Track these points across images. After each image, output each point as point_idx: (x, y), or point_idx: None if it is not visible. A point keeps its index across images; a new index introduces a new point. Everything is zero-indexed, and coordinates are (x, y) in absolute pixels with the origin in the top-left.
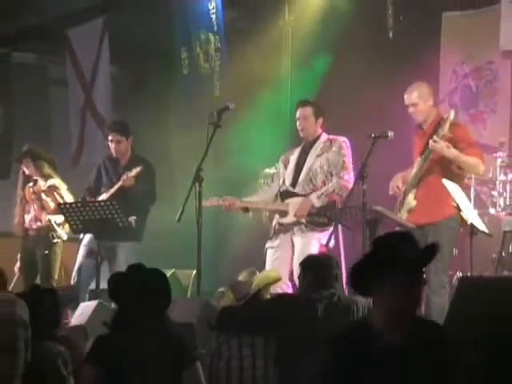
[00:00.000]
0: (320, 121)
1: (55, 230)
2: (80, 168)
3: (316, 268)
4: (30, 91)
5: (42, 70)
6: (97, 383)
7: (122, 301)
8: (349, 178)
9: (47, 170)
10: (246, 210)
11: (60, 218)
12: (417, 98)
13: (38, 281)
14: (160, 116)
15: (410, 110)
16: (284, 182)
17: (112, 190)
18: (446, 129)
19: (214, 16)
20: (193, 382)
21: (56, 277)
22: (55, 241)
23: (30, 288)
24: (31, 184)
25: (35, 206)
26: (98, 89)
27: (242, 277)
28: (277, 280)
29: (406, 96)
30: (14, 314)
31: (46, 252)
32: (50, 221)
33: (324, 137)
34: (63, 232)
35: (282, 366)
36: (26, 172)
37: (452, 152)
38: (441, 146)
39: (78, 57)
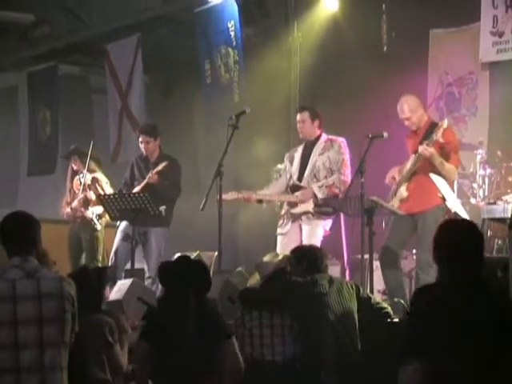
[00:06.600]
0: (316, 122)
1: (93, 220)
2: (118, 164)
3: (310, 256)
4: (74, 98)
5: (85, 80)
6: (147, 356)
7: (170, 285)
8: (347, 173)
9: (92, 165)
10: (260, 201)
11: (100, 210)
12: (409, 112)
13: (82, 261)
14: (186, 119)
15: (406, 123)
16: (291, 176)
17: (141, 185)
18: (439, 134)
19: (232, 33)
20: (229, 354)
21: (100, 258)
22: (97, 227)
23: (79, 268)
24: (78, 177)
25: (80, 196)
26: (132, 96)
27: (266, 258)
28: None
29: (398, 110)
30: (62, 290)
31: (89, 237)
32: (90, 213)
33: (324, 137)
34: (98, 223)
35: (301, 335)
36: (74, 167)
37: (436, 160)
38: (427, 153)
39: (116, 68)
